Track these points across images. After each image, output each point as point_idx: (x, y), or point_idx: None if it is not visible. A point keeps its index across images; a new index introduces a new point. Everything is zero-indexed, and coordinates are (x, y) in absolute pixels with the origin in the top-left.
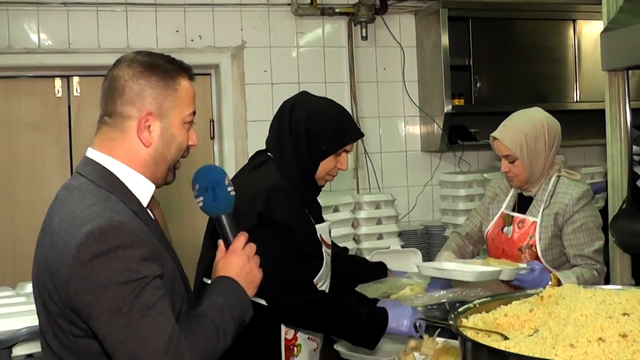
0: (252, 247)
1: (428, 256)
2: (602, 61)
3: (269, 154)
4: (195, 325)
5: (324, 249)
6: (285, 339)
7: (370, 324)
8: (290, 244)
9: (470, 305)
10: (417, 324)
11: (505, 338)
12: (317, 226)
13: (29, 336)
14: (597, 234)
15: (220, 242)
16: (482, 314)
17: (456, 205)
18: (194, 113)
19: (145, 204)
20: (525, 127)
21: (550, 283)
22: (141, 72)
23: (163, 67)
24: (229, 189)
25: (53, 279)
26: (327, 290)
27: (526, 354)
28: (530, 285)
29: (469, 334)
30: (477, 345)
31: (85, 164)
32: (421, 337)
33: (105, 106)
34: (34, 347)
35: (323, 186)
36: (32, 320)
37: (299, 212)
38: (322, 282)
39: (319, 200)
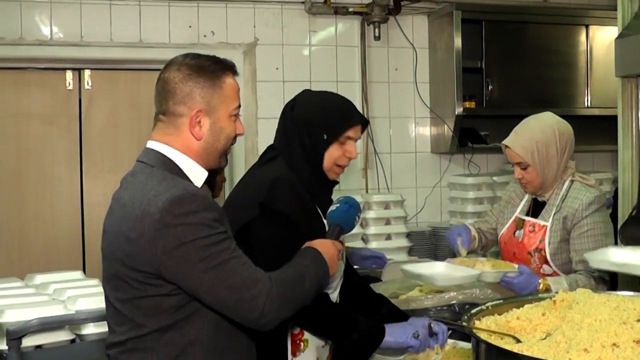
0: (341, 248)
1: (435, 259)
2: (616, 67)
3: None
4: (282, 268)
5: None
6: (292, 333)
7: (368, 332)
8: (291, 234)
9: (483, 307)
10: (432, 327)
11: (518, 341)
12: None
13: (39, 327)
14: (602, 241)
15: None
16: (494, 317)
17: (465, 207)
18: (239, 106)
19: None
20: (536, 133)
21: (538, 288)
22: (190, 74)
23: (210, 68)
24: (357, 219)
25: (130, 245)
26: (338, 288)
27: (540, 357)
28: (517, 287)
29: (482, 336)
30: (490, 348)
31: (147, 153)
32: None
33: (159, 105)
34: (44, 339)
35: (337, 181)
36: (42, 312)
37: (302, 203)
38: (333, 277)
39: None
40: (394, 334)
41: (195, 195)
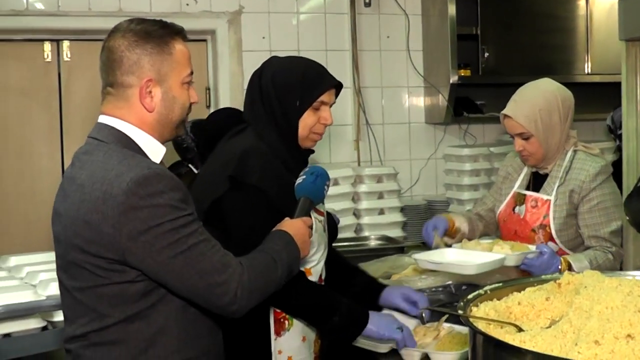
0: (312, 223)
1: None
2: (619, 30)
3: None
4: (253, 253)
5: (313, 215)
6: (274, 311)
7: (350, 317)
8: (264, 208)
9: (481, 292)
10: (423, 314)
11: (520, 330)
12: None
13: (4, 315)
14: (614, 214)
15: None
16: (493, 302)
17: (461, 180)
18: (191, 73)
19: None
20: (538, 101)
21: (560, 267)
22: (136, 41)
23: (156, 33)
24: (327, 188)
25: (91, 230)
26: (323, 261)
27: (545, 350)
28: (538, 270)
29: (481, 325)
30: (488, 339)
31: (100, 129)
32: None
33: (106, 77)
34: (13, 327)
35: (312, 150)
36: (11, 297)
37: (274, 174)
38: (314, 250)
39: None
40: (377, 324)
41: (161, 175)
